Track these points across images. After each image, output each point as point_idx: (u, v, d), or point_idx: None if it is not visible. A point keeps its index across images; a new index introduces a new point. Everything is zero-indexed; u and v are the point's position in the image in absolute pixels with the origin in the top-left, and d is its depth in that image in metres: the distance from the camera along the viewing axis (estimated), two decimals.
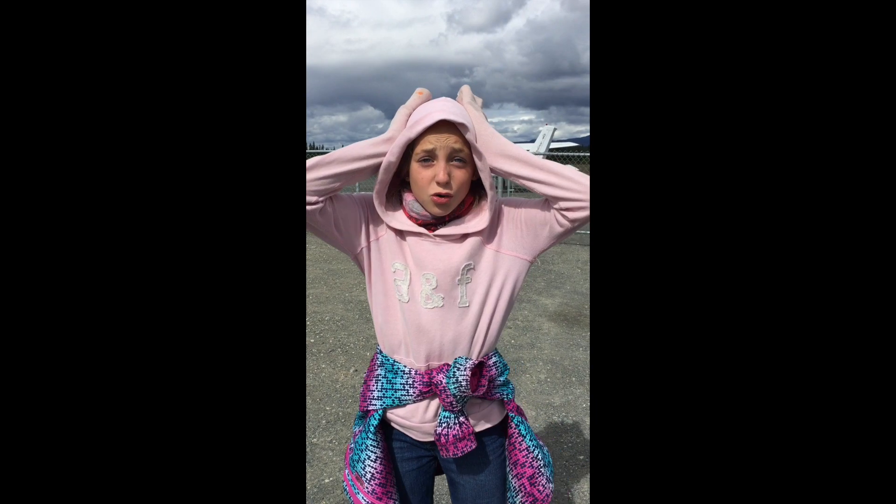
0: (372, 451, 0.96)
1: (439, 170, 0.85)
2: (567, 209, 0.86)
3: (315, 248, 6.49)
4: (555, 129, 17.29)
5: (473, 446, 0.93)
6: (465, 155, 0.87)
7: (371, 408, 0.97)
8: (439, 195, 0.86)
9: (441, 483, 1.22)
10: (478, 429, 0.98)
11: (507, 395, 0.99)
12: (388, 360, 0.97)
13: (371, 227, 0.95)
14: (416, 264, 0.92)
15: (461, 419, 0.93)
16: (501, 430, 1.04)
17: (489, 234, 0.94)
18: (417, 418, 0.96)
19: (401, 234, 0.94)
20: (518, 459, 0.99)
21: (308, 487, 1.96)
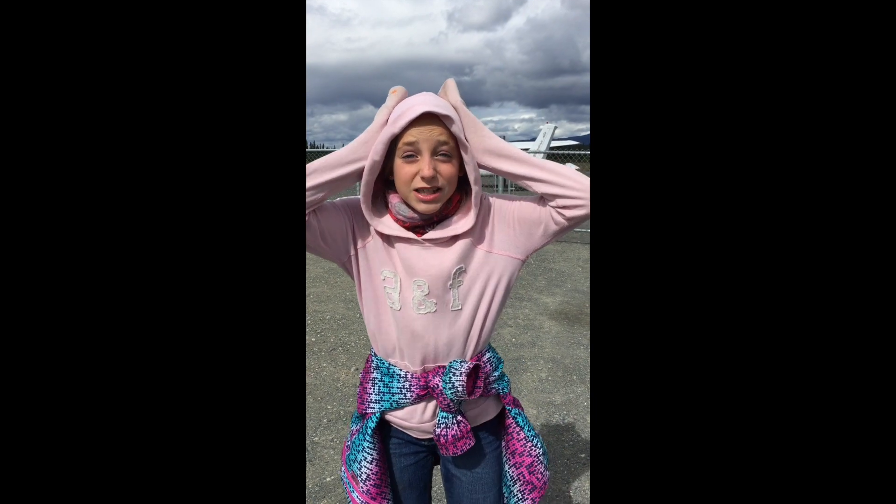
0: (368, 453, 0.96)
1: (424, 164, 0.82)
2: (565, 207, 0.85)
3: None
4: (555, 128, 17.25)
5: (472, 444, 0.94)
6: (451, 149, 0.84)
7: (369, 411, 0.97)
8: (424, 190, 0.83)
9: (438, 483, 1.22)
10: (475, 424, 0.98)
11: (503, 388, 0.99)
12: (384, 363, 0.96)
13: (357, 234, 0.92)
14: (406, 271, 0.89)
15: (459, 418, 0.93)
16: (498, 423, 1.04)
17: (479, 234, 0.91)
18: (416, 419, 0.97)
19: (388, 239, 0.91)
20: (516, 449, 1.00)
21: (309, 486, 1.97)
